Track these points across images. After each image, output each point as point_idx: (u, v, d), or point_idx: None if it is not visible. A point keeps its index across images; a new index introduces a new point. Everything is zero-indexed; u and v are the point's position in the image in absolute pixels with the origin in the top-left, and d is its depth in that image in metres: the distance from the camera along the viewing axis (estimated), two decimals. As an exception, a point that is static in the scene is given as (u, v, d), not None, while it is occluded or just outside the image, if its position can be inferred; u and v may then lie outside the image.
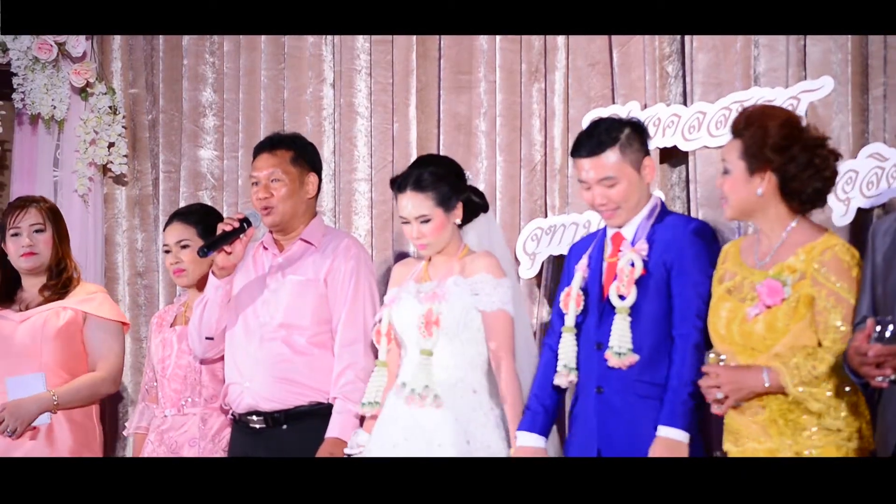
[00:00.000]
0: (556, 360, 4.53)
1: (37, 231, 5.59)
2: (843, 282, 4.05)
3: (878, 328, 3.72)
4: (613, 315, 4.41)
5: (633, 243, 4.46)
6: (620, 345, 4.37)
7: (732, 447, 4.17)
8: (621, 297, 4.41)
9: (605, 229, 4.61)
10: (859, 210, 4.75)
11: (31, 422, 5.44)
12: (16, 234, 5.58)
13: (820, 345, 4.06)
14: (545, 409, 4.56)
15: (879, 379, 3.76)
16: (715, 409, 4.15)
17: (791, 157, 4.10)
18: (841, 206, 4.74)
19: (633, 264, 4.41)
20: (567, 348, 4.50)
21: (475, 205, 4.85)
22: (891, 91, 4.80)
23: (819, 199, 4.17)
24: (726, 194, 4.18)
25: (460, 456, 4.53)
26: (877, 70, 4.84)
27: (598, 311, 4.48)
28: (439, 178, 4.73)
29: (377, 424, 4.75)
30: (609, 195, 4.46)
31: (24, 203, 5.64)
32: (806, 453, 4.03)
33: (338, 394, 4.94)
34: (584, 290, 4.52)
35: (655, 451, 4.30)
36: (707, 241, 4.44)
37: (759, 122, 4.12)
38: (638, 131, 4.51)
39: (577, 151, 4.51)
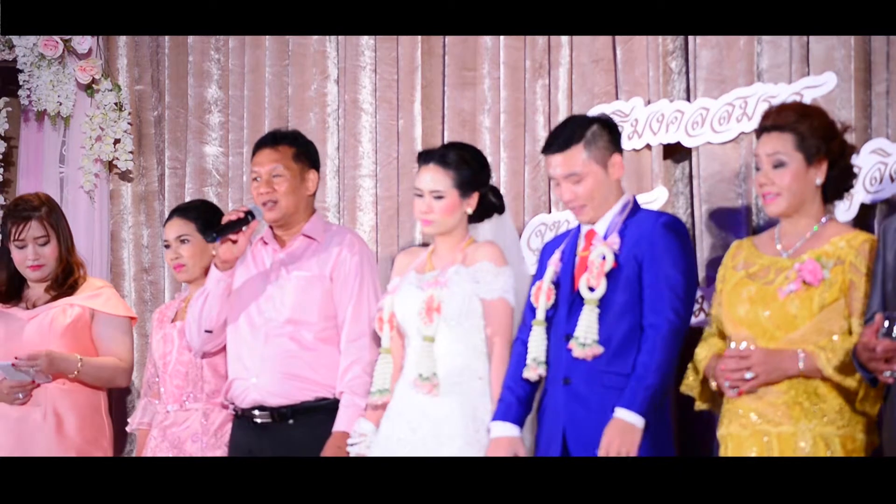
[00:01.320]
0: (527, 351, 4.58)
1: (42, 244, 5.59)
2: None
3: (887, 323, 3.76)
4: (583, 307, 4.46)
5: (605, 237, 4.49)
6: (585, 335, 4.40)
7: (740, 430, 4.16)
8: (591, 289, 4.44)
9: (578, 227, 4.64)
10: (862, 205, 4.77)
11: (52, 371, 5.44)
12: (21, 247, 5.59)
13: (850, 332, 4.08)
14: (518, 399, 4.58)
15: (887, 374, 3.80)
16: (730, 393, 4.15)
17: (840, 149, 4.18)
18: (844, 202, 4.75)
19: (603, 257, 4.44)
20: (537, 342, 4.54)
21: (490, 203, 4.85)
22: (894, 87, 4.82)
23: (844, 192, 4.25)
24: (782, 188, 4.18)
25: (468, 445, 4.57)
26: (880, 66, 4.84)
27: (568, 303, 4.51)
28: (464, 161, 4.77)
29: (384, 418, 4.76)
30: (575, 191, 4.50)
31: (26, 216, 5.58)
32: (821, 440, 4.06)
33: (344, 388, 4.95)
34: (556, 283, 4.55)
35: (608, 433, 4.31)
36: (678, 234, 4.47)
37: (811, 115, 4.18)
38: (607, 129, 4.54)
39: (546, 148, 4.57)
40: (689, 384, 4.37)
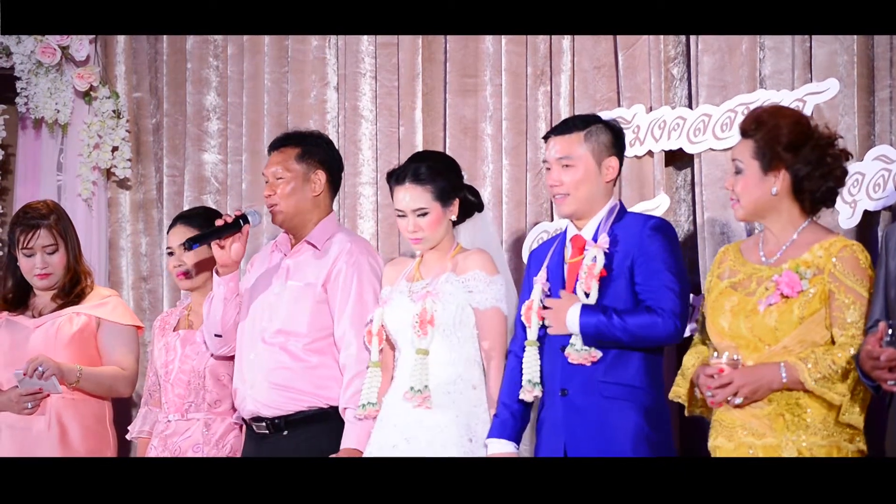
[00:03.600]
0: (521, 368, 4.55)
1: (50, 253, 5.57)
2: (862, 280, 4.06)
3: (891, 332, 3.73)
4: None
5: (594, 240, 4.47)
6: (579, 340, 4.39)
7: (726, 442, 4.15)
8: (586, 294, 4.42)
9: (564, 232, 4.63)
10: (866, 212, 4.76)
11: (54, 374, 5.39)
12: (29, 255, 5.56)
13: (833, 341, 4.06)
14: (513, 415, 4.57)
15: (891, 383, 3.77)
16: (711, 401, 4.12)
17: (804, 155, 4.11)
18: (847, 209, 4.76)
19: (594, 259, 4.42)
20: (530, 363, 4.52)
21: (470, 203, 4.84)
22: (897, 93, 4.83)
23: (830, 199, 4.18)
24: (738, 194, 4.18)
25: (462, 455, 4.55)
26: (882, 72, 4.84)
27: None
28: (438, 173, 4.75)
29: (376, 427, 4.74)
30: (562, 177, 4.50)
31: (35, 224, 5.56)
32: (807, 452, 4.03)
33: (348, 404, 4.88)
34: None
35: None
36: (667, 236, 4.46)
37: (771, 122, 4.14)
38: (611, 131, 4.55)
39: (548, 133, 4.62)
40: (678, 391, 4.35)
